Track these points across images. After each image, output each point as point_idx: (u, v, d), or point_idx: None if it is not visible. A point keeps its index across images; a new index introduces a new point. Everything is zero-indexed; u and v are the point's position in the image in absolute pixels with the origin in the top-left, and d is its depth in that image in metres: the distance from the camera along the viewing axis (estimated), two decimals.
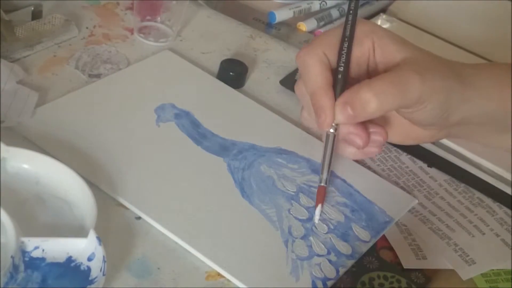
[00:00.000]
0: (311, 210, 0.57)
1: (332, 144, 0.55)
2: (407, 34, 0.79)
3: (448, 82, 0.54)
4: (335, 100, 0.54)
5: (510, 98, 0.57)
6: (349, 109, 0.52)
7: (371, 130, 0.57)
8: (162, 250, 0.51)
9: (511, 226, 0.60)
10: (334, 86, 0.55)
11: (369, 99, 0.52)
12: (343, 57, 0.55)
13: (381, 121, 0.59)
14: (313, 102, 0.55)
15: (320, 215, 0.55)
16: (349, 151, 0.58)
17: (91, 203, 0.50)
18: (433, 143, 0.65)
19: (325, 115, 0.54)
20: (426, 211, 0.60)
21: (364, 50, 0.56)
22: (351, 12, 0.56)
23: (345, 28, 0.56)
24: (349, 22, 0.56)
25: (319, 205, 0.55)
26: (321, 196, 0.56)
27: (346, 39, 0.55)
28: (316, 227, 0.55)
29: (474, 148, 0.63)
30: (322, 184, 0.56)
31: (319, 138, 0.64)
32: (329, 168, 0.56)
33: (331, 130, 0.55)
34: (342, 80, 0.55)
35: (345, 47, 0.55)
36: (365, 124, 0.56)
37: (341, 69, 0.55)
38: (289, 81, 0.70)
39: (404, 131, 0.59)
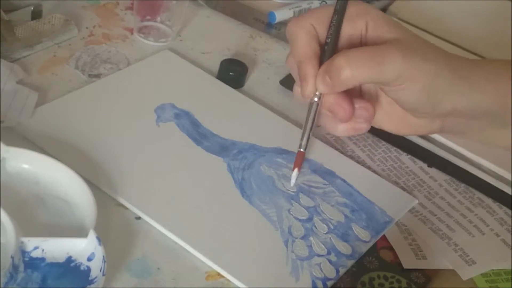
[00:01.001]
0: (311, 210, 0.57)
1: (315, 111, 0.56)
2: None
3: (435, 66, 0.54)
4: None
5: (507, 93, 0.56)
6: (327, 77, 0.53)
7: (357, 105, 0.56)
8: (162, 250, 0.51)
9: (511, 226, 0.60)
10: (321, 58, 0.56)
11: (342, 66, 0.52)
12: (331, 29, 0.56)
13: (374, 105, 0.59)
14: (299, 71, 0.56)
15: (296, 179, 0.57)
16: (340, 128, 0.58)
17: (91, 203, 0.50)
18: (433, 142, 0.65)
19: (307, 83, 0.55)
20: (426, 211, 0.60)
21: (357, 28, 0.56)
22: None
23: (336, 3, 0.57)
24: None
25: (296, 169, 0.56)
26: (299, 161, 0.57)
27: (335, 11, 0.56)
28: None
29: (474, 148, 0.63)
30: (301, 150, 0.57)
31: (319, 138, 0.64)
32: (309, 134, 0.56)
33: (315, 99, 0.56)
34: (329, 52, 0.56)
35: (334, 20, 0.56)
36: (350, 98, 0.56)
37: (328, 40, 0.56)
38: (289, 81, 0.70)
39: (397, 118, 0.59)
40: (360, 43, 0.57)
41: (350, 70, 0.52)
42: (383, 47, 0.54)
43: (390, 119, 0.59)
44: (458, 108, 0.56)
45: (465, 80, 0.55)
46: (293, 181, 0.57)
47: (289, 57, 0.58)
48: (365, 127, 0.58)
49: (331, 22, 0.56)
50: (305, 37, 0.56)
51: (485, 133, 0.61)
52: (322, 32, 0.56)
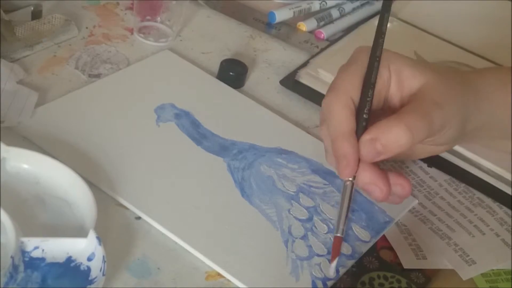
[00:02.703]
0: (311, 210, 0.57)
1: (350, 193, 0.51)
2: (407, 34, 0.79)
3: (464, 100, 0.54)
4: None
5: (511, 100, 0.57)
6: (379, 144, 0.50)
7: (392, 181, 0.53)
8: (162, 250, 0.51)
9: (511, 226, 0.60)
10: (356, 131, 0.52)
11: (402, 134, 0.50)
12: (368, 103, 0.52)
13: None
14: (334, 148, 0.52)
15: (335, 268, 0.51)
16: (373, 195, 0.54)
17: (91, 203, 0.50)
18: None
19: (347, 163, 0.51)
20: (426, 211, 0.60)
21: (384, 81, 0.53)
22: (377, 59, 0.53)
23: (368, 74, 0.53)
24: (375, 67, 0.53)
25: (335, 260, 0.50)
26: (337, 248, 0.51)
27: (371, 86, 0.53)
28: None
29: (474, 148, 0.63)
30: (339, 235, 0.51)
31: (319, 138, 0.64)
32: (345, 217, 0.51)
33: (349, 179, 0.51)
34: (365, 126, 0.52)
35: (370, 95, 0.52)
36: (386, 175, 0.52)
37: (366, 116, 0.52)
38: (289, 81, 0.70)
39: (417, 151, 0.57)
40: (385, 93, 0.54)
41: (409, 136, 0.50)
42: (423, 104, 0.51)
43: (410, 153, 0.57)
44: (478, 125, 0.56)
45: (482, 97, 0.55)
46: (332, 271, 0.51)
47: (323, 127, 0.55)
48: (398, 201, 0.55)
49: (367, 95, 0.52)
50: (344, 113, 0.52)
51: (493, 142, 0.61)
52: (357, 99, 0.53)
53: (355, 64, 0.54)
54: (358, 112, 0.52)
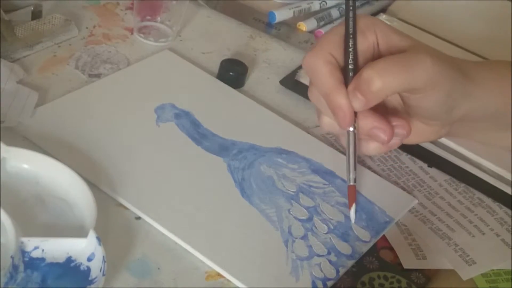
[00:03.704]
0: (311, 210, 0.57)
1: (354, 141, 0.53)
2: (408, 33, 0.79)
3: (453, 72, 0.54)
4: None
5: (511, 94, 0.57)
6: (358, 94, 0.51)
7: (393, 123, 0.54)
8: (162, 250, 0.51)
9: (511, 226, 0.60)
10: (346, 84, 0.53)
11: (372, 78, 0.50)
12: (351, 54, 0.54)
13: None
14: (329, 103, 0.53)
15: (355, 214, 0.54)
16: (372, 147, 0.56)
17: (91, 203, 0.50)
18: (433, 142, 0.65)
19: (344, 113, 0.52)
20: (426, 211, 0.60)
21: (369, 43, 0.54)
22: (351, 8, 0.55)
23: (347, 25, 0.55)
24: (351, 18, 0.55)
25: (353, 206, 0.53)
26: (353, 196, 0.53)
27: (351, 36, 0.54)
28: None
29: (474, 148, 0.63)
30: (351, 183, 0.53)
31: (319, 138, 0.64)
32: (355, 165, 0.53)
33: (351, 129, 0.53)
34: (353, 77, 0.53)
35: (351, 45, 0.54)
36: (387, 117, 0.54)
37: (351, 66, 0.53)
38: (289, 81, 0.70)
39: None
40: (373, 57, 0.55)
41: (380, 80, 0.50)
42: (410, 53, 0.52)
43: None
44: (469, 112, 0.56)
45: (473, 82, 0.55)
46: (353, 218, 0.54)
47: (311, 89, 0.55)
48: (397, 143, 0.56)
49: (347, 46, 0.54)
50: (327, 68, 0.53)
51: (488, 135, 0.61)
52: (340, 57, 0.54)
53: (335, 27, 0.55)
54: (345, 65, 0.53)
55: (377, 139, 0.53)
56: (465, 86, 0.55)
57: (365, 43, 0.54)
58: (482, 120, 0.58)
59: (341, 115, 0.52)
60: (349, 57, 0.54)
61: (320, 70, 0.53)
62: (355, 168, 0.54)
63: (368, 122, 0.53)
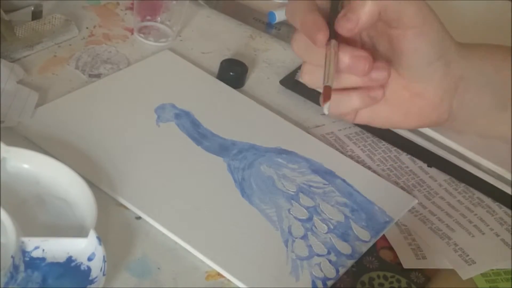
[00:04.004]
0: (311, 210, 0.57)
1: (336, 49, 0.51)
2: None
3: (442, 29, 0.54)
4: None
5: (505, 69, 0.56)
6: (349, 14, 0.50)
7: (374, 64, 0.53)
8: (162, 250, 0.51)
9: (511, 226, 0.60)
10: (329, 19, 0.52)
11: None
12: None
13: (382, 100, 0.56)
14: (302, 22, 0.52)
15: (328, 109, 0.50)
16: (354, 98, 0.54)
17: (91, 203, 0.50)
18: (433, 143, 0.65)
19: (318, 29, 0.51)
20: (426, 211, 0.60)
21: None
22: None
23: None
24: None
25: (328, 102, 0.50)
26: (328, 94, 0.50)
27: None
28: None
29: (474, 148, 0.63)
30: (328, 84, 0.50)
31: (319, 138, 0.64)
32: (334, 70, 0.51)
33: (333, 43, 0.51)
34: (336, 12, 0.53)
35: None
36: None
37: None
38: (289, 81, 0.70)
39: (404, 108, 0.57)
40: None
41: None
42: None
43: (398, 111, 0.57)
44: (466, 74, 0.55)
45: (466, 48, 0.55)
46: (326, 111, 0.50)
47: (295, 38, 0.54)
48: (380, 94, 0.54)
49: None
50: (306, 6, 0.52)
51: (490, 119, 0.59)
52: (322, 3, 0.53)
53: None
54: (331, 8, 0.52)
55: (357, 68, 0.51)
56: (457, 48, 0.54)
57: None
58: (480, 94, 0.57)
59: (315, 29, 0.51)
60: None
61: (298, 7, 0.52)
62: (333, 73, 0.51)
63: (346, 56, 0.51)
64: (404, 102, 0.56)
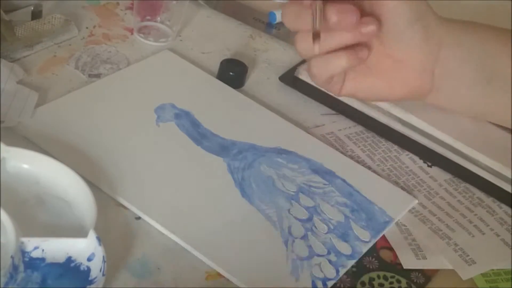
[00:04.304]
0: (310, 210, 0.57)
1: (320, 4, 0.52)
2: None
3: (429, 10, 0.55)
4: None
5: (492, 40, 0.57)
6: None
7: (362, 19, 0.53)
8: (162, 250, 0.51)
9: (511, 226, 0.60)
10: None
11: None
12: None
13: (366, 70, 0.57)
14: None
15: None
16: (343, 57, 0.54)
17: (91, 203, 0.50)
18: (433, 140, 0.65)
19: None
20: (426, 211, 0.60)
21: None
22: None
23: None
24: None
25: (317, 41, 0.52)
26: (317, 35, 0.52)
27: None
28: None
29: (474, 144, 0.63)
30: (317, 29, 0.52)
31: (319, 138, 0.64)
32: (321, 17, 0.52)
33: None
34: None
35: None
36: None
37: None
38: (289, 77, 0.70)
39: (388, 76, 0.57)
40: None
41: None
42: None
43: (381, 78, 0.57)
44: (445, 41, 0.55)
45: (446, 21, 0.56)
46: (317, 50, 0.52)
47: (285, 12, 0.54)
48: (365, 53, 0.54)
49: None
50: None
51: (475, 92, 0.58)
52: None
53: None
54: None
55: (345, 22, 0.52)
56: (436, 15, 0.55)
57: None
58: (461, 60, 0.57)
59: None
60: None
61: None
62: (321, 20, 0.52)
63: (334, 7, 0.51)
64: (387, 70, 0.56)
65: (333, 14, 0.52)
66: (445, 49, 0.56)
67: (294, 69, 0.71)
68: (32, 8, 0.69)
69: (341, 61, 0.54)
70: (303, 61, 0.72)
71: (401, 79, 0.57)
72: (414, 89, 0.58)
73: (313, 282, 0.51)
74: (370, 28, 0.53)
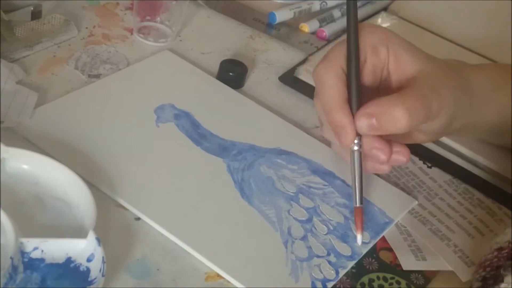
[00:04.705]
0: (310, 211, 0.57)
1: (359, 161, 0.53)
2: (408, 32, 0.80)
3: (457, 93, 0.54)
4: (353, 114, 0.52)
5: (507, 104, 0.57)
6: (374, 120, 0.51)
7: (394, 149, 0.54)
8: (162, 251, 0.51)
9: (511, 227, 0.60)
10: (349, 100, 0.53)
11: (401, 115, 0.50)
12: (354, 69, 0.53)
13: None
14: (329, 119, 0.53)
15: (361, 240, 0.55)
16: (369, 167, 0.56)
17: (90, 203, 0.50)
18: (434, 142, 0.65)
19: (346, 133, 0.52)
20: (425, 212, 0.60)
21: (381, 58, 0.54)
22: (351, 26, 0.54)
23: (348, 42, 0.53)
24: (352, 34, 0.54)
25: (359, 232, 0.54)
26: (360, 219, 0.54)
27: (350, 45, 0.54)
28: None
29: (474, 147, 0.64)
30: (358, 205, 0.54)
31: (319, 138, 0.64)
32: (361, 186, 0.54)
33: (355, 148, 0.53)
34: (357, 91, 0.53)
35: (352, 56, 0.53)
36: (388, 140, 0.54)
37: (355, 84, 0.53)
38: (288, 78, 0.70)
39: (401, 136, 0.58)
40: (382, 72, 0.55)
41: (409, 119, 0.50)
42: (421, 89, 0.52)
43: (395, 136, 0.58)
44: (466, 123, 0.56)
45: (474, 93, 0.56)
46: (359, 242, 0.55)
47: (317, 100, 0.55)
48: (387, 169, 0.57)
49: (350, 61, 0.53)
50: (334, 81, 0.53)
51: (483, 138, 0.62)
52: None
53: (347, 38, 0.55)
54: (348, 80, 0.53)
55: (377, 159, 0.54)
56: (467, 102, 0.55)
57: (378, 58, 0.54)
58: (475, 129, 0.59)
59: (343, 134, 0.52)
60: (353, 74, 0.53)
61: (328, 83, 0.53)
62: (361, 189, 0.54)
63: (369, 143, 0.53)
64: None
65: (366, 146, 0.53)
66: (463, 123, 0.57)
67: (294, 69, 0.71)
68: (32, 8, 0.69)
69: (366, 168, 0.56)
70: (303, 61, 0.72)
71: (414, 139, 0.58)
72: (426, 142, 0.62)
73: (312, 283, 0.51)
74: (400, 160, 0.55)
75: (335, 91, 0.53)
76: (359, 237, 0.54)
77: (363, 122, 0.52)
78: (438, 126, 0.54)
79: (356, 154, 0.53)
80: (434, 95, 0.52)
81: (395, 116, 0.51)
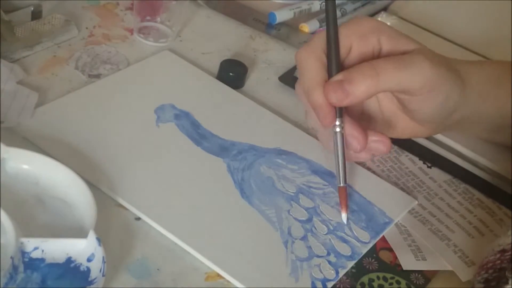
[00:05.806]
0: (310, 211, 0.57)
1: (342, 142, 0.54)
2: (408, 32, 0.79)
3: (452, 74, 0.54)
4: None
5: (506, 98, 0.57)
6: (346, 84, 0.51)
7: (373, 138, 0.56)
8: (162, 251, 0.51)
9: (511, 227, 0.60)
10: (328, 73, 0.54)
11: (368, 74, 0.51)
12: (330, 43, 0.54)
13: (381, 123, 0.59)
14: (310, 100, 0.54)
15: (347, 217, 0.56)
16: (350, 154, 0.57)
17: (90, 203, 0.50)
18: (434, 142, 0.65)
19: (324, 113, 0.53)
20: (425, 212, 0.60)
21: (368, 45, 0.55)
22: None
23: (327, 29, 0.55)
24: (330, 21, 0.55)
25: (344, 211, 0.56)
26: (344, 198, 0.56)
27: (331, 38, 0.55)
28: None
29: (474, 147, 0.64)
30: (342, 185, 0.55)
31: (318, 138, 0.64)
32: (344, 166, 0.55)
33: (337, 130, 0.54)
34: (337, 71, 0.54)
35: (331, 33, 0.54)
36: (365, 129, 0.55)
37: (335, 64, 0.54)
38: (288, 78, 0.70)
39: (400, 128, 0.59)
40: (370, 59, 0.55)
41: (377, 76, 0.51)
42: (409, 55, 0.53)
43: (393, 130, 0.59)
44: (464, 116, 0.56)
45: (469, 85, 0.56)
46: (344, 221, 0.56)
47: (298, 85, 0.56)
48: (368, 157, 0.58)
49: (328, 33, 0.54)
50: (314, 64, 0.54)
51: (481, 135, 0.62)
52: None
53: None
54: (328, 62, 0.54)
55: (351, 147, 0.55)
56: (463, 89, 0.55)
57: (365, 46, 0.55)
58: (473, 123, 0.59)
59: (322, 113, 0.53)
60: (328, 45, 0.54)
61: (308, 65, 0.54)
62: (344, 169, 0.55)
63: (348, 129, 0.54)
64: (400, 124, 0.59)
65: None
66: (462, 115, 0.57)
67: (294, 69, 0.71)
68: (32, 8, 0.69)
69: (349, 147, 0.56)
70: None
71: (411, 132, 0.59)
72: (424, 136, 0.62)
73: (312, 283, 0.51)
74: (380, 149, 0.56)
75: (316, 73, 0.53)
76: (343, 215, 0.56)
77: (333, 88, 0.52)
78: (436, 108, 0.54)
79: (338, 136, 0.54)
80: (424, 60, 0.52)
81: (364, 72, 0.51)
